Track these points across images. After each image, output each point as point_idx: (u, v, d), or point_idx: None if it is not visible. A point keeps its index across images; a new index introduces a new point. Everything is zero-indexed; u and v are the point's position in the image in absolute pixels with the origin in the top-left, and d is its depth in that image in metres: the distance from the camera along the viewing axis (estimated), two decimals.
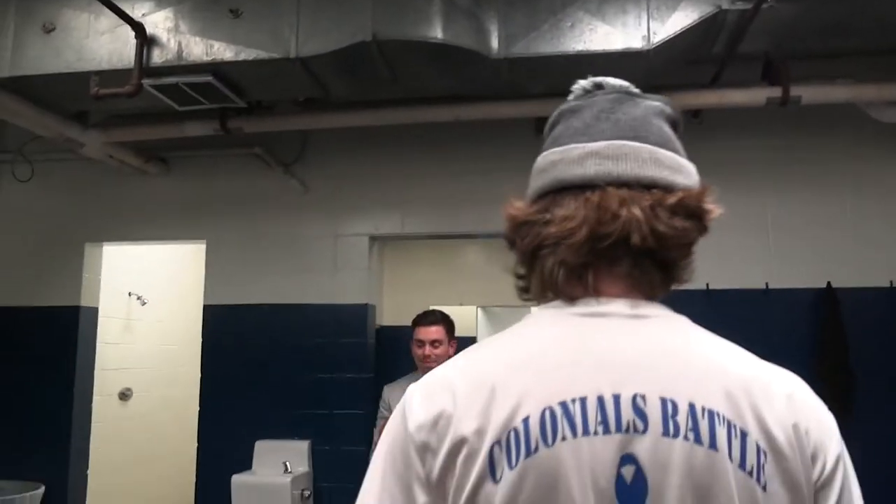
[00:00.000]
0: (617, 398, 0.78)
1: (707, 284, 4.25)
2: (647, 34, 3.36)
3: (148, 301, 6.34)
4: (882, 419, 4.00)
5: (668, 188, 0.89)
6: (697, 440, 0.77)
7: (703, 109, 4.23)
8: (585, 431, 0.77)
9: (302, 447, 4.42)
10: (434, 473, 0.80)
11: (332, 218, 4.71)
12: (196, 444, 4.60)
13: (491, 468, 0.77)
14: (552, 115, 0.98)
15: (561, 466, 0.76)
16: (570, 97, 0.99)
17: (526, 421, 0.78)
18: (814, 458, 0.81)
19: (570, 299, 0.88)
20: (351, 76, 3.63)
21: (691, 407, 0.78)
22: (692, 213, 0.88)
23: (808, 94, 3.70)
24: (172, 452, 6.38)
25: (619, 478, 0.76)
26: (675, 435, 0.77)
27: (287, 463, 4.35)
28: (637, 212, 0.85)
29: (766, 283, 4.22)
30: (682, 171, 0.92)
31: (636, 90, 0.96)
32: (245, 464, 4.39)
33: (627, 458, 0.77)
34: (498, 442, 0.78)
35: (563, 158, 0.91)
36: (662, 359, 0.82)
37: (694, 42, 3.54)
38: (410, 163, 4.70)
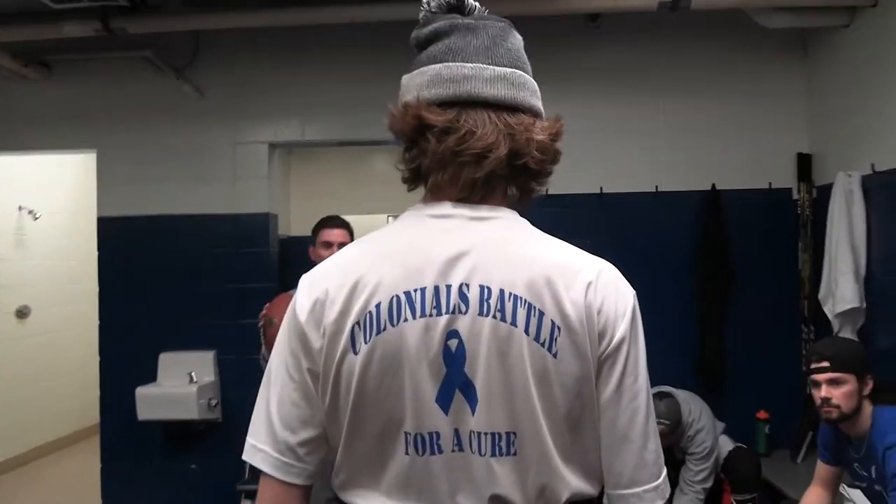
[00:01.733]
0: (448, 287, 0.99)
1: (601, 188, 4.40)
2: None
3: (41, 215, 6.09)
4: (756, 308, 4.31)
5: (540, 116, 1.08)
6: (503, 319, 0.98)
7: (599, 14, 4.27)
8: (423, 314, 0.99)
9: (207, 357, 4.43)
10: (314, 346, 1.01)
11: (229, 125, 4.58)
12: (98, 361, 4.54)
13: (352, 343, 0.99)
14: (437, 23, 1.09)
15: (403, 340, 0.98)
16: (433, 5, 1.13)
17: (378, 306, 0.99)
18: (601, 335, 1.00)
19: (435, 201, 1.06)
20: None
21: (501, 292, 0.98)
22: (557, 139, 1.07)
23: None
24: (75, 368, 6.30)
25: (446, 347, 0.98)
26: (487, 314, 0.98)
27: (192, 373, 4.35)
28: (540, 137, 1.04)
29: (656, 187, 4.40)
30: (540, 98, 1.10)
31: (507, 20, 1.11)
32: (149, 377, 4.37)
33: (453, 333, 0.98)
34: (357, 323, 0.99)
35: (476, 76, 1.03)
36: (487, 254, 1.01)
37: None
38: (311, 67, 4.58)
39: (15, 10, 3.93)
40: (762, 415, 4.15)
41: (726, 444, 3.71)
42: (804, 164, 4.35)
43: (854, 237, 3.69)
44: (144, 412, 4.16)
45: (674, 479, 3.56)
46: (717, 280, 4.30)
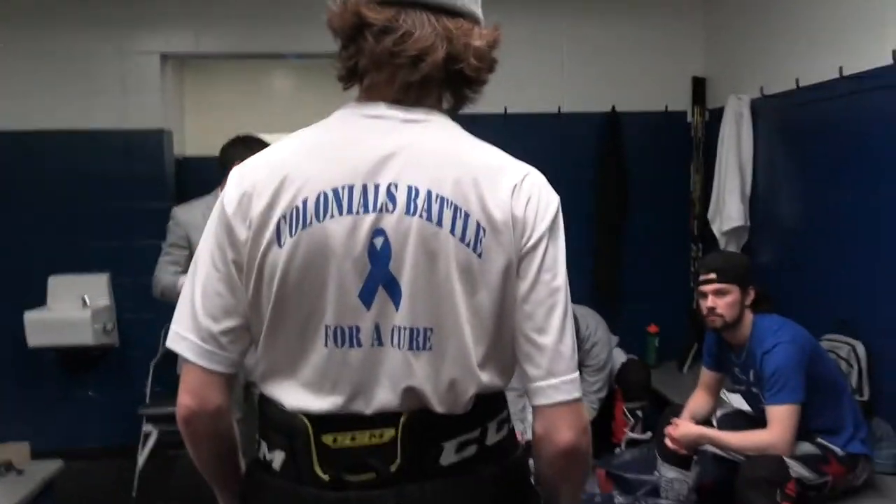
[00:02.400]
0: (377, 186, 1.01)
1: (505, 108, 4.41)
2: None
3: None
4: (650, 226, 4.49)
5: (479, 23, 1.08)
6: (429, 219, 1.00)
7: None
8: (350, 211, 1.00)
9: (101, 280, 4.25)
10: (240, 237, 1.03)
11: (116, 31, 4.26)
12: None
13: (277, 236, 1.01)
14: None
15: (328, 237, 1.00)
16: None
17: (305, 202, 1.00)
18: (522, 234, 1.03)
19: (369, 101, 1.07)
20: None
21: (428, 193, 1.01)
22: (495, 47, 1.08)
23: None
24: None
25: (371, 245, 1.01)
26: (414, 214, 1.00)
27: (85, 297, 4.17)
28: (478, 43, 1.04)
29: (559, 108, 4.45)
30: (479, 5, 1.10)
31: None
32: (38, 301, 4.17)
33: (379, 231, 1.00)
34: (283, 216, 1.01)
35: None
36: (416, 156, 1.03)
37: None
38: None
39: None
40: (652, 328, 4.39)
41: (619, 357, 3.91)
42: (699, 87, 4.50)
43: (742, 158, 3.88)
44: (35, 338, 3.97)
45: None
46: (613, 200, 4.45)
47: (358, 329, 1.02)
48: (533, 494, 1.14)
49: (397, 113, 1.05)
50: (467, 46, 1.03)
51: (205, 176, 5.71)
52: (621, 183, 4.45)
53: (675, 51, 4.53)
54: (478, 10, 1.09)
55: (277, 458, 1.07)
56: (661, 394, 3.91)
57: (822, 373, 2.50)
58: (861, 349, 2.94)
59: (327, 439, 1.03)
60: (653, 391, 3.89)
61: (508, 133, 4.38)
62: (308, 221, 1.00)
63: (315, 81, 6.31)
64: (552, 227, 1.05)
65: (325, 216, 1.00)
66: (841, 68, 3.07)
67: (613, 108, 4.46)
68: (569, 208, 3.85)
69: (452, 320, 1.01)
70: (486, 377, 1.05)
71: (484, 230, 1.01)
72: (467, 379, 1.03)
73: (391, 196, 1.00)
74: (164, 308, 4.22)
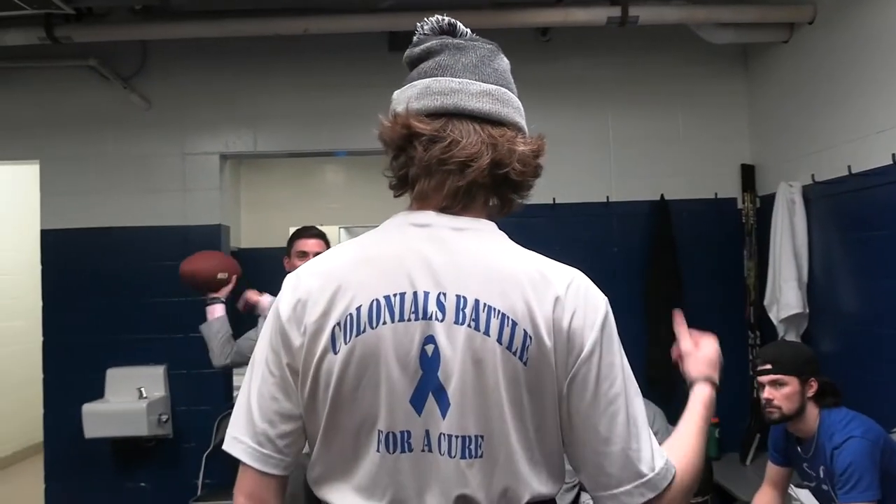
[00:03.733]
0: (427, 294, 1.04)
1: (553, 199, 4.46)
2: None
3: None
4: (704, 315, 4.37)
5: (523, 132, 1.14)
6: (476, 328, 1.02)
7: (549, 27, 4.34)
8: (401, 318, 1.04)
9: (157, 372, 4.34)
10: (294, 343, 1.07)
11: (178, 135, 4.51)
12: (42, 377, 4.40)
13: (332, 343, 1.04)
14: (428, 42, 1.15)
15: (381, 342, 1.03)
16: (426, 28, 1.18)
17: (359, 309, 1.04)
18: (570, 347, 1.04)
19: (419, 210, 1.12)
20: None
21: (476, 302, 1.03)
22: (540, 154, 1.14)
23: (645, 14, 3.88)
24: (17, 385, 6.08)
25: (423, 352, 1.03)
26: (462, 323, 1.03)
27: (142, 389, 4.25)
28: (522, 148, 1.10)
29: (607, 197, 4.49)
30: (524, 117, 1.16)
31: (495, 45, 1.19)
32: (97, 393, 4.25)
33: (429, 339, 1.03)
34: (339, 324, 1.04)
35: (464, 90, 1.09)
36: (464, 265, 1.06)
37: None
38: (261, 77, 4.55)
39: None
40: (712, 419, 4.23)
41: None
42: (748, 174, 4.50)
43: (796, 245, 3.82)
44: (92, 429, 4.04)
45: None
46: (666, 288, 4.40)
47: (409, 434, 1.03)
48: None
49: (445, 221, 1.09)
50: (512, 152, 1.08)
51: (259, 265, 5.91)
52: (673, 271, 4.41)
53: (721, 139, 4.56)
54: (521, 121, 1.14)
55: None
56: (724, 488, 3.75)
57: None
58: None
59: None
60: (716, 485, 3.73)
61: (557, 223, 4.44)
62: (362, 328, 1.03)
63: (363, 176, 6.55)
64: (603, 332, 1.05)
65: (377, 322, 1.03)
66: (894, 155, 3.04)
67: (662, 196, 4.47)
68: (620, 298, 3.83)
69: (500, 427, 1.02)
70: (538, 484, 1.05)
71: (531, 338, 1.02)
72: (520, 486, 1.04)
73: (440, 305, 1.03)
74: (218, 400, 4.33)
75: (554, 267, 1.09)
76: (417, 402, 1.03)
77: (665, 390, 4.29)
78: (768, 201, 4.15)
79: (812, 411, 2.43)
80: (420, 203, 1.12)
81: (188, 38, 4.14)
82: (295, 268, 3.32)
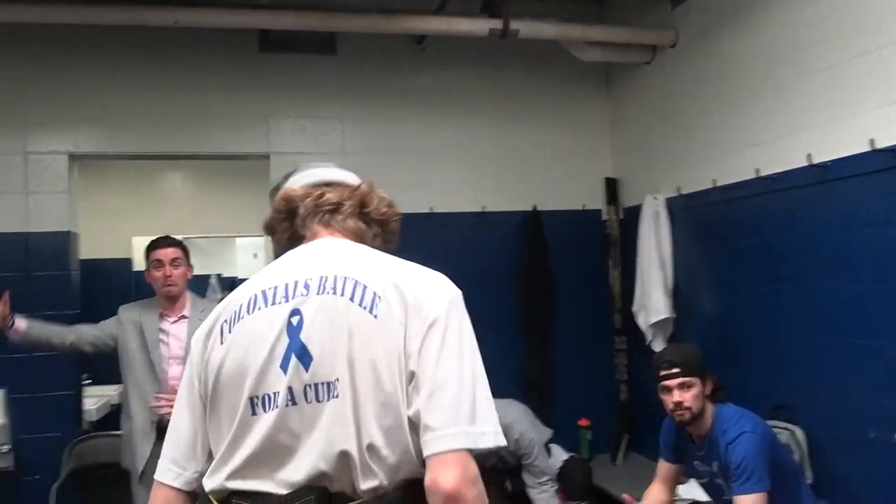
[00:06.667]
0: (297, 282, 1.27)
1: (430, 207, 4.45)
2: None
3: None
4: (574, 321, 4.59)
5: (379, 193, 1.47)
6: (334, 292, 1.24)
7: (426, 36, 4.35)
8: (274, 303, 1.27)
9: None
10: (200, 358, 1.32)
11: (20, 132, 4.03)
12: None
13: (221, 337, 1.29)
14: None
15: (255, 324, 1.26)
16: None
17: (240, 304, 1.30)
18: (419, 313, 1.20)
19: (302, 239, 1.41)
20: None
21: (335, 277, 1.25)
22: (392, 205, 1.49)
23: (525, 28, 3.98)
24: None
25: (289, 323, 1.23)
26: (323, 293, 1.24)
27: None
28: (380, 195, 1.45)
29: (483, 207, 4.55)
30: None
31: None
32: None
33: (295, 312, 1.24)
34: (226, 321, 1.30)
35: (320, 171, 1.49)
36: (329, 259, 1.31)
37: None
38: (115, 71, 4.17)
39: None
40: (583, 422, 4.41)
41: (560, 454, 3.89)
42: (611, 187, 4.73)
43: (662, 254, 4.06)
44: None
45: (520, 489, 3.68)
46: (538, 296, 4.52)
47: (277, 394, 1.21)
48: None
49: (326, 240, 1.38)
50: (370, 196, 1.42)
51: (105, 278, 5.41)
52: (545, 280, 4.54)
53: (586, 152, 4.78)
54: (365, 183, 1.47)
55: None
56: (601, 489, 3.89)
57: (782, 460, 2.56)
58: (800, 434, 3.06)
59: None
60: (594, 488, 3.86)
61: (434, 232, 4.43)
62: (241, 317, 1.28)
63: (207, 185, 6.25)
64: (449, 308, 1.22)
65: (254, 310, 1.27)
66: (758, 170, 3.32)
67: (535, 207, 4.59)
68: (496, 306, 4.00)
69: (351, 370, 1.19)
70: (383, 413, 1.21)
71: (379, 297, 1.21)
72: (370, 418, 1.21)
73: (307, 286, 1.26)
74: (67, 425, 3.90)
75: (412, 266, 1.30)
76: (284, 365, 1.21)
77: (538, 393, 4.43)
78: (633, 212, 4.39)
79: (709, 408, 2.57)
80: (307, 239, 1.40)
81: (32, 25, 3.73)
82: (154, 279, 3.13)
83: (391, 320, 1.19)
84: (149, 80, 4.22)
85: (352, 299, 1.21)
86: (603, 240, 4.71)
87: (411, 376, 1.17)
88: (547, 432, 3.96)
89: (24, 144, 4.05)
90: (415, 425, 1.15)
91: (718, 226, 3.73)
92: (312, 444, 1.17)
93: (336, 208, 1.38)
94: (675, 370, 2.53)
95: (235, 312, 1.28)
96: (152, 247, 3.18)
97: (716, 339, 3.65)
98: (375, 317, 1.19)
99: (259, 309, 1.25)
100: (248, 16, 3.79)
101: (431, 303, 1.21)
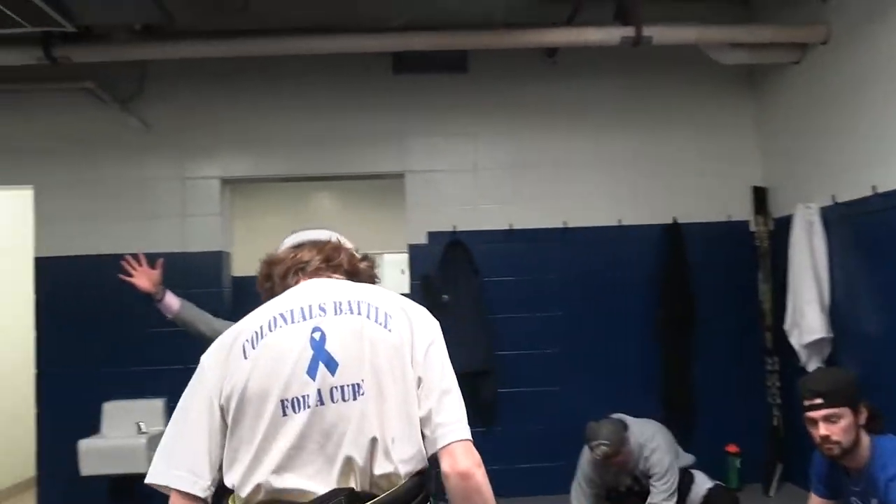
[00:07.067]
0: (311, 305, 1.47)
1: (564, 222, 4.37)
2: None
3: None
4: (719, 340, 4.33)
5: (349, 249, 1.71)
6: (351, 312, 1.46)
7: (557, 48, 4.28)
8: (293, 321, 1.45)
9: (156, 405, 4.16)
10: (217, 374, 1.43)
11: (178, 159, 4.38)
12: (35, 411, 4.21)
13: (243, 353, 1.42)
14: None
15: (279, 339, 1.42)
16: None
17: (261, 325, 1.45)
18: (416, 333, 1.46)
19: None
20: (197, 0, 3.34)
21: (349, 301, 1.48)
22: (366, 260, 1.72)
23: (659, 34, 3.82)
24: (8, 420, 5.85)
25: (312, 338, 1.42)
26: (341, 313, 1.46)
27: (140, 423, 4.07)
28: (343, 255, 1.66)
29: (619, 220, 4.40)
30: (350, 243, 1.73)
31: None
32: (93, 428, 4.07)
33: (316, 329, 1.43)
34: (248, 339, 1.43)
35: (303, 234, 1.72)
36: (334, 289, 1.52)
37: None
38: (261, 99, 4.45)
39: None
40: (732, 449, 4.13)
41: (704, 482, 3.65)
42: (760, 196, 4.43)
43: (817, 267, 3.74)
44: (88, 467, 3.85)
45: None
46: (679, 313, 4.30)
47: (308, 396, 1.38)
48: None
49: (323, 278, 1.60)
50: (335, 251, 1.64)
51: (256, 296, 5.69)
52: (686, 296, 4.31)
53: (731, 160, 4.52)
54: (343, 243, 1.69)
55: None
56: None
57: None
58: None
59: None
60: None
61: (568, 247, 4.35)
62: (263, 335, 1.43)
63: (356, 203, 6.47)
64: (437, 334, 1.49)
65: (275, 328, 1.44)
66: None
67: (675, 219, 4.38)
68: (632, 323, 3.81)
69: (372, 375, 1.41)
70: (400, 413, 1.44)
71: (390, 316, 1.46)
72: (392, 411, 1.44)
73: (322, 308, 1.46)
74: None
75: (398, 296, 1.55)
76: (312, 372, 1.39)
77: (681, 420, 4.19)
78: (783, 223, 4.09)
79: (864, 440, 2.31)
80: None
81: (188, 59, 4.03)
82: None
83: (401, 335, 1.44)
84: (291, 106, 4.45)
85: (368, 317, 1.45)
86: (751, 252, 4.41)
87: (418, 381, 1.43)
88: (687, 458, 3.75)
89: (181, 170, 4.39)
90: (423, 422, 1.41)
91: (881, 236, 3.38)
92: (341, 436, 1.36)
93: (304, 266, 1.62)
94: (819, 400, 2.29)
95: (256, 332, 1.43)
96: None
97: (878, 362, 3.30)
98: (390, 331, 1.44)
99: (280, 327, 1.43)
100: (382, 39, 3.89)
101: (428, 325, 1.50)
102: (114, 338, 4.21)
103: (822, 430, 2.27)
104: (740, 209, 4.46)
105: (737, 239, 4.43)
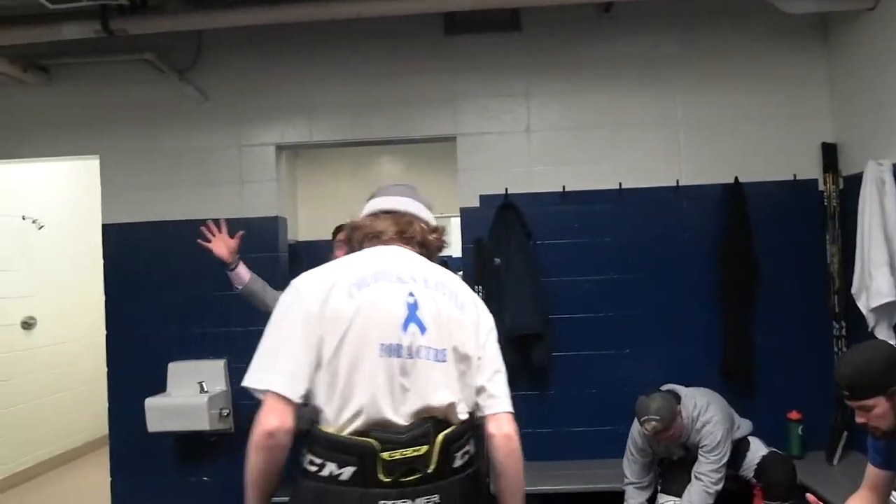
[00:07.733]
0: (402, 273, 1.73)
1: (619, 184, 4.26)
2: None
3: (45, 224, 5.98)
4: (784, 304, 4.17)
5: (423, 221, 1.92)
6: (437, 290, 1.75)
7: (614, 2, 4.13)
8: (392, 281, 1.70)
9: (218, 366, 4.31)
10: (319, 304, 1.64)
11: (234, 127, 4.46)
12: (106, 370, 4.43)
13: (348, 293, 1.65)
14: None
15: (381, 292, 1.68)
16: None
17: (364, 275, 1.69)
18: (480, 319, 1.80)
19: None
20: None
21: (435, 281, 1.77)
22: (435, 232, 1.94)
23: None
24: (83, 380, 6.20)
25: (407, 301, 1.69)
26: (429, 287, 1.74)
27: (203, 383, 4.23)
28: (417, 227, 1.88)
29: (677, 181, 4.26)
30: (425, 212, 1.95)
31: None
32: (159, 387, 4.25)
33: (411, 294, 1.71)
34: (354, 283, 1.67)
35: (382, 203, 1.92)
36: (422, 265, 1.81)
37: None
38: (314, 65, 4.46)
39: (12, 13, 3.83)
40: (794, 415, 3.99)
41: (759, 449, 3.55)
42: (829, 153, 4.21)
43: (888, 228, 3.54)
44: (154, 424, 4.03)
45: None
46: (741, 277, 4.15)
47: (400, 346, 1.65)
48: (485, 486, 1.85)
49: (399, 246, 1.85)
50: (411, 224, 1.86)
51: (317, 258, 5.81)
52: (749, 259, 4.15)
53: (800, 116, 4.29)
54: (423, 215, 1.91)
55: (347, 472, 1.57)
56: (811, 490, 3.50)
57: None
58: None
59: (386, 455, 1.58)
60: (801, 488, 3.49)
61: (624, 209, 4.25)
62: (367, 284, 1.67)
63: (420, 165, 6.42)
64: (491, 325, 1.83)
65: (376, 282, 1.68)
66: None
67: (736, 178, 4.21)
68: (691, 288, 3.70)
69: (451, 344, 1.71)
70: (477, 374, 1.76)
71: (464, 302, 1.78)
72: (466, 377, 1.76)
73: (413, 279, 1.73)
74: None
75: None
76: (405, 327, 1.66)
77: (739, 382, 4.09)
78: (853, 182, 3.87)
79: None
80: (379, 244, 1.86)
81: (241, 27, 4.06)
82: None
83: (473, 320, 1.77)
84: (343, 71, 4.45)
85: (450, 299, 1.75)
86: (818, 213, 4.20)
87: (478, 359, 1.74)
88: (745, 424, 3.65)
89: (238, 138, 4.47)
90: (478, 391, 1.74)
91: None
92: (425, 390, 1.64)
93: (379, 234, 1.83)
94: (846, 393, 2.18)
95: (361, 279, 1.66)
96: (341, 229, 3.36)
97: None
98: (465, 315, 1.75)
99: (379, 282, 1.67)
100: (427, 1, 3.83)
101: (489, 317, 1.83)
102: (176, 301, 4.37)
103: (859, 417, 2.20)
104: (808, 167, 4.24)
105: (803, 199, 4.22)
